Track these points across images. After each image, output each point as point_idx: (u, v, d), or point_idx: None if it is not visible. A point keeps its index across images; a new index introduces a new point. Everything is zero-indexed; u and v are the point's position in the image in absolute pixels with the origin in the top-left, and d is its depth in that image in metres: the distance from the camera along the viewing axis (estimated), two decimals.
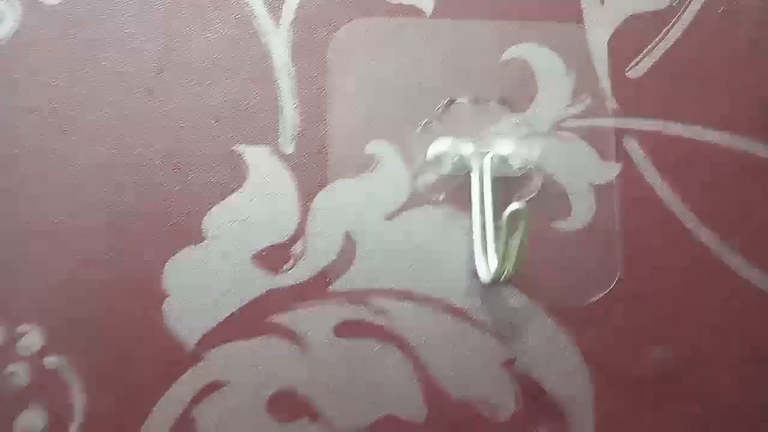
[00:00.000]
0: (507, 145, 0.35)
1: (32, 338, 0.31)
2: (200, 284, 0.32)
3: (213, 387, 0.32)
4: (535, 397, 0.33)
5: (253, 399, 0.32)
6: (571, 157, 0.35)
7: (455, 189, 0.34)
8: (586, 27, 0.37)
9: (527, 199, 0.33)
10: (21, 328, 0.31)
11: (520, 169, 0.34)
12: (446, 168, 0.34)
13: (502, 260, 0.30)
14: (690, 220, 0.35)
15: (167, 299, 0.32)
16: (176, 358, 0.32)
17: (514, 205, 0.28)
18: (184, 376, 0.32)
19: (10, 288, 0.32)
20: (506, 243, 0.29)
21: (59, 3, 0.34)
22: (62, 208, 0.32)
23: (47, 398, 0.31)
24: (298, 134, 0.34)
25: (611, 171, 0.35)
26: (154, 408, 0.31)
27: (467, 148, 0.34)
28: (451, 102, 0.35)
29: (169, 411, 0.31)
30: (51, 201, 0.32)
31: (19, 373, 0.31)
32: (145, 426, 0.31)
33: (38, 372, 0.31)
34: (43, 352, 0.31)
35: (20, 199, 0.33)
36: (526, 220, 0.28)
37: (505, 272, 0.30)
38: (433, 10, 0.36)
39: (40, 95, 0.33)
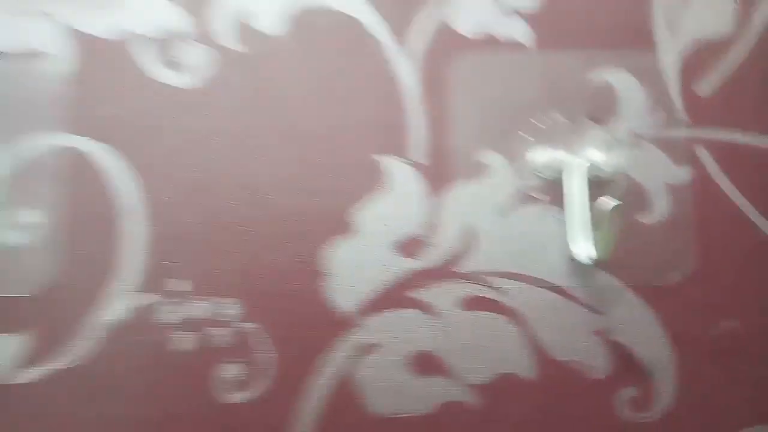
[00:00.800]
0: (595, 153, 0.42)
1: (233, 309, 0.40)
2: (354, 266, 0.41)
3: (366, 348, 0.40)
4: (624, 360, 0.40)
5: (397, 358, 0.40)
6: (649, 163, 0.42)
7: (553, 189, 0.42)
8: (657, 52, 0.43)
9: (616, 197, 0.41)
10: (224, 301, 0.40)
11: (606, 172, 0.42)
12: (545, 172, 0.42)
13: (599, 246, 0.37)
14: (752, 213, 0.42)
15: (329, 278, 0.40)
16: (338, 325, 0.40)
17: (610, 202, 0.36)
18: (345, 338, 0.40)
19: (214, 270, 0.41)
20: (603, 232, 0.36)
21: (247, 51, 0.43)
22: (249, 205, 0.41)
23: (244, 355, 0.40)
24: (426, 146, 0.42)
25: (684, 173, 0.42)
26: (323, 363, 0.40)
27: (562, 156, 0.42)
28: (549, 118, 0.42)
29: (334, 366, 0.40)
30: (240, 201, 0.41)
31: (224, 335, 0.40)
32: (317, 377, 0.40)
33: (238, 335, 0.40)
34: (240, 319, 0.40)
35: (220, 200, 0.41)
36: (619, 214, 0.35)
37: (601, 256, 0.38)
38: (532, 43, 0.43)
39: (229, 122, 0.42)
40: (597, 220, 0.38)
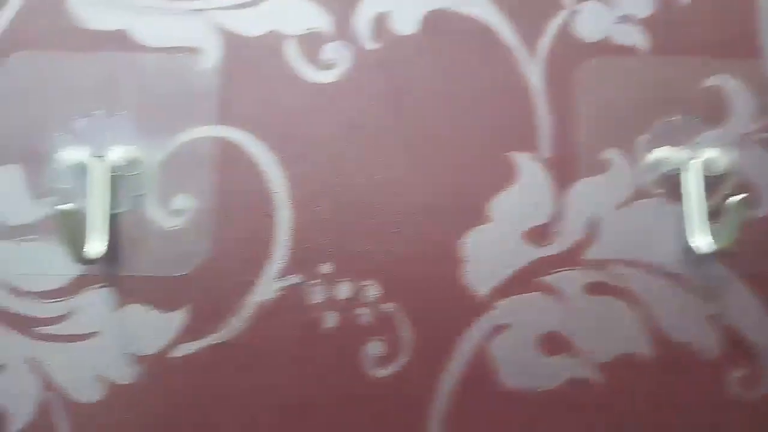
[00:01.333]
0: (709, 152, 0.45)
1: (373, 290, 0.43)
2: (488, 253, 0.44)
3: (500, 328, 0.43)
4: (734, 343, 0.44)
5: (527, 338, 0.43)
6: (758, 160, 0.45)
7: (669, 185, 0.45)
8: (764, 60, 0.46)
9: (732, 193, 0.44)
10: (364, 283, 0.43)
11: (718, 169, 0.45)
12: (662, 169, 0.45)
13: (722, 237, 0.40)
14: None
15: (465, 264, 0.43)
16: (473, 307, 0.43)
17: (736, 197, 0.39)
18: (479, 319, 0.43)
19: (354, 253, 0.44)
20: (727, 223, 0.39)
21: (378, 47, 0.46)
22: (387, 195, 0.44)
23: (384, 333, 0.43)
24: (553, 144, 0.45)
25: None
26: (459, 341, 0.43)
27: (679, 155, 0.45)
28: (666, 119, 0.45)
29: (470, 344, 0.43)
30: (379, 192, 0.44)
31: (364, 314, 0.43)
32: (454, 354, 0.43)
33: (377, 314, 0.43)
34: (380, 299, 0.43)
35: (360, 190, 0.44)
36: (743, 207, 0.39)
37: (723, 246, 0.41)
38: (649, 48, 0.46)
39: (366, 117, 0.45)
40: (722, 212, 0.41)
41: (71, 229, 0.39)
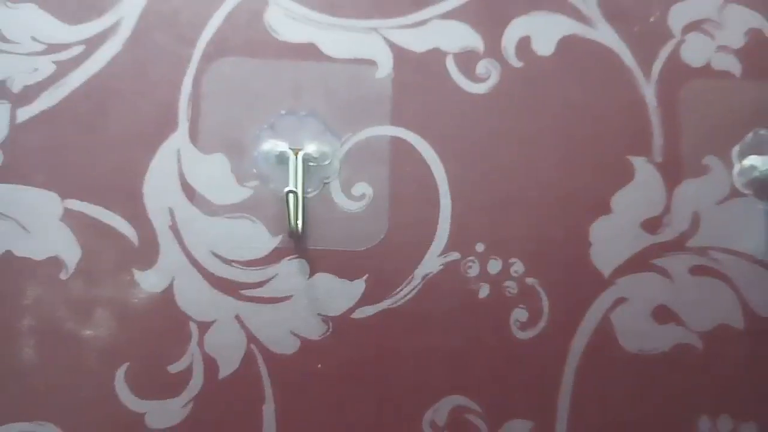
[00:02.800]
0: None
1: (518, 267, 0.52)
2: (611, 239, 0.52)
3: (619, 300, 0.52)
4: None
5: (642, 309, 0.52)
6: None
7: (758, 186, 0.54)
8: None
9: None
10: (511, 260, 0.52)
11: None
12: (752, 173, 0.54)
13: None
14: None
15: (592, 247, 0.52)
16: (599, 283, 0.52)
17: None
18: (603, 293, 0.52)
19: (503, 236, 0.52)
20: None
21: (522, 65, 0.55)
22: (531, 188, 0.53)
23: (527, 303, 0.51)
24: (664, 150, 0.54)
25: None
26: (587, 310, 0.51)
27: (765, 162, 0.54)
28: (756, 132, 0.55)
29: (596, 313, 0.52)
30: (525, 184, 0.53)
31: (511, 287, 0.51)
32: (583, 322, 0.51)
33: (521, 287, 0.51)
34: (524, 275, 0.52)
35: (509, 183, 0.53)
36: None
37: None
38: (741, 73, 0.55)
39: (512, 124, 0.54)
40: None
41: (291, 208, 0.47)
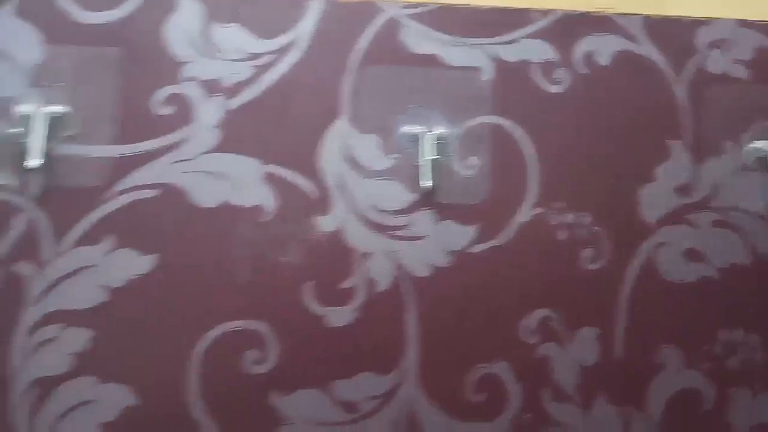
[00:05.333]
0: None
1: (587, 218, 0.70)
2: (654, 198, 0.71)
3: (660, 244, 0.70)
4: None
5: (677, 251, 0.71)
6: None
7: (763, 164, 0.72)
8: None
9: None
10: (582, 213, 0.70)
11: None
12: (758, 154, 0.72)
13: None
14: None
15: (640, 205, 0.71)
16: (646, 231, 0.70)
17: None
18: (648, 239, 0.70)
19: (575, 194, 0.71)
20: None
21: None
22: (603, 156, 0.71)
23: (593, 244, 0.70)
24: (691, 135, 0.72)
25: None
26: (637, 250, 0.70)
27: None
28: (761, 123, 0.73)
29: (643, 254, 0.70)
30: (597, 154, 0.71)
31: (581, 233, 0.70)
32: (633, 258, 0.71)
33: (589, 233, 0.70)
34: (591, 224, 0.71)
35: (586, 155, 0.72)
36: None
37: None
38: (751, 79, 0.73)
39: (585, 118, 0.72)
40: None
41: (425, 173, 0.66)
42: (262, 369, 0.68)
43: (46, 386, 0.66)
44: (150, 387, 0.67)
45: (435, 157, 0.70)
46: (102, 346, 0.67)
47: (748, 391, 0.71)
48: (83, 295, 0.67)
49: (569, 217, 0.72)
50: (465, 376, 0.69)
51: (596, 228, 0.72)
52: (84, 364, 0.66)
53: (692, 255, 0.73)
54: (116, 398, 0.66)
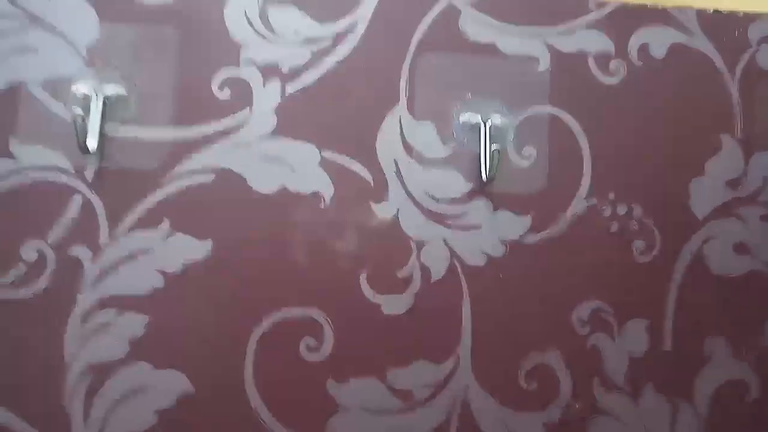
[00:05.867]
0: None
1: (638, 210, 0.71)
2: (704, 193, 0.72)
3: (708, 238, 0.71)
4: None
5: (725, 244, 0.72)
6: None
7: None
8: None
9: None
10: (633, 205, 0.71)
11: None
12: None
13: None
14: None
15: (690, 198, 0.72)
16: (695, 224, 0.71)
17: None
18: (698, 232, 0.72)
19: (627, 186, 0.71)
20: None
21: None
22: (645, 151, 0.72)
23: (644, 236, 0.70)
24: (742, 129, 0.73)
25: None
26: (687, 243, 0.70)
27: None
28: None
29: (693, 247, 0.71)
30: (645, 145, 0.72)
31: (633, 224, 0.70)
32: (682, 252, 0.71)
33: (640, 224, 0.71)
34: (642, 216, 0.71)
35: (641, 148, 0.72)
36: None
37: None
38: None
39: (633, 105, 0.72)
40: None
41: (481, 162, 0.66)
42: (317, 357, 0.68)
43: (101, 372, 0.65)
44: (205, 374, 0.67)
45: (492, 147, 0.69)
46: (157, 332, 0.66)
47: None
48: (139, 280, 0.66)
49: (621, 209, 0.73)
50: (518, 365, 0.70)
51: (647, 221, 0.73)
52: (139, 350, 0.66)
53: (740, 249, 0.74)
54: (172, 385, 0.66)
